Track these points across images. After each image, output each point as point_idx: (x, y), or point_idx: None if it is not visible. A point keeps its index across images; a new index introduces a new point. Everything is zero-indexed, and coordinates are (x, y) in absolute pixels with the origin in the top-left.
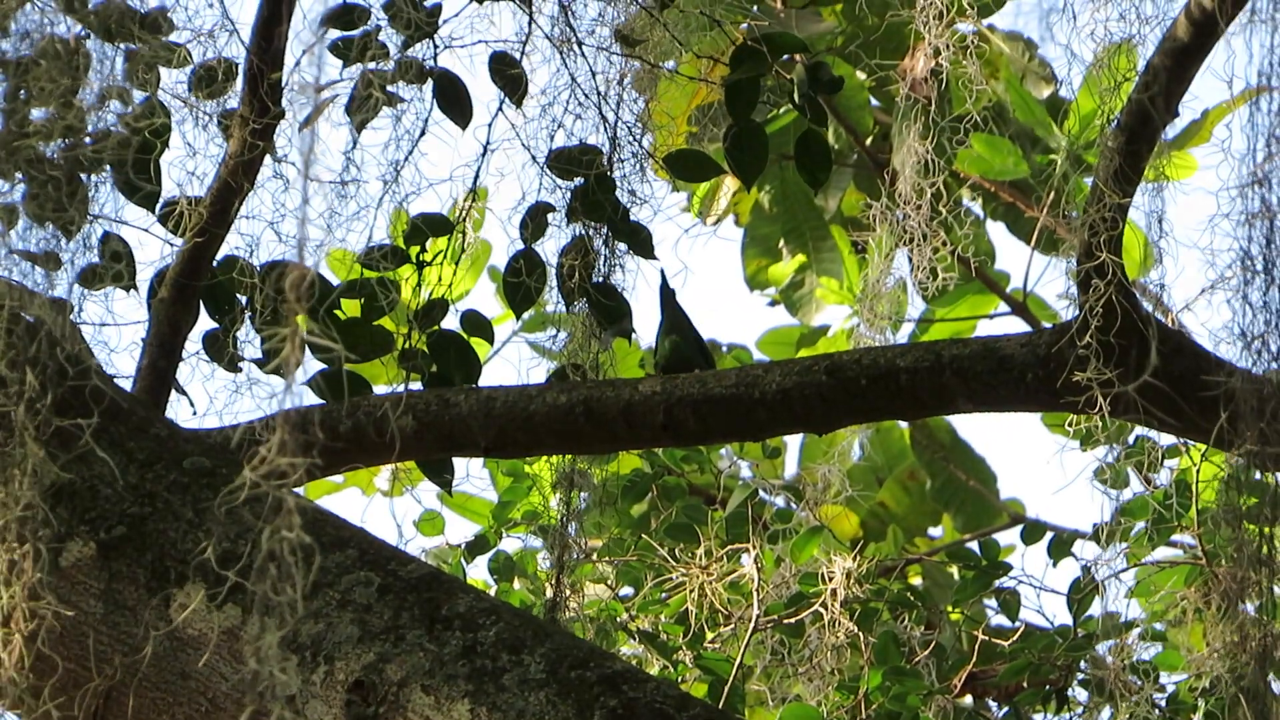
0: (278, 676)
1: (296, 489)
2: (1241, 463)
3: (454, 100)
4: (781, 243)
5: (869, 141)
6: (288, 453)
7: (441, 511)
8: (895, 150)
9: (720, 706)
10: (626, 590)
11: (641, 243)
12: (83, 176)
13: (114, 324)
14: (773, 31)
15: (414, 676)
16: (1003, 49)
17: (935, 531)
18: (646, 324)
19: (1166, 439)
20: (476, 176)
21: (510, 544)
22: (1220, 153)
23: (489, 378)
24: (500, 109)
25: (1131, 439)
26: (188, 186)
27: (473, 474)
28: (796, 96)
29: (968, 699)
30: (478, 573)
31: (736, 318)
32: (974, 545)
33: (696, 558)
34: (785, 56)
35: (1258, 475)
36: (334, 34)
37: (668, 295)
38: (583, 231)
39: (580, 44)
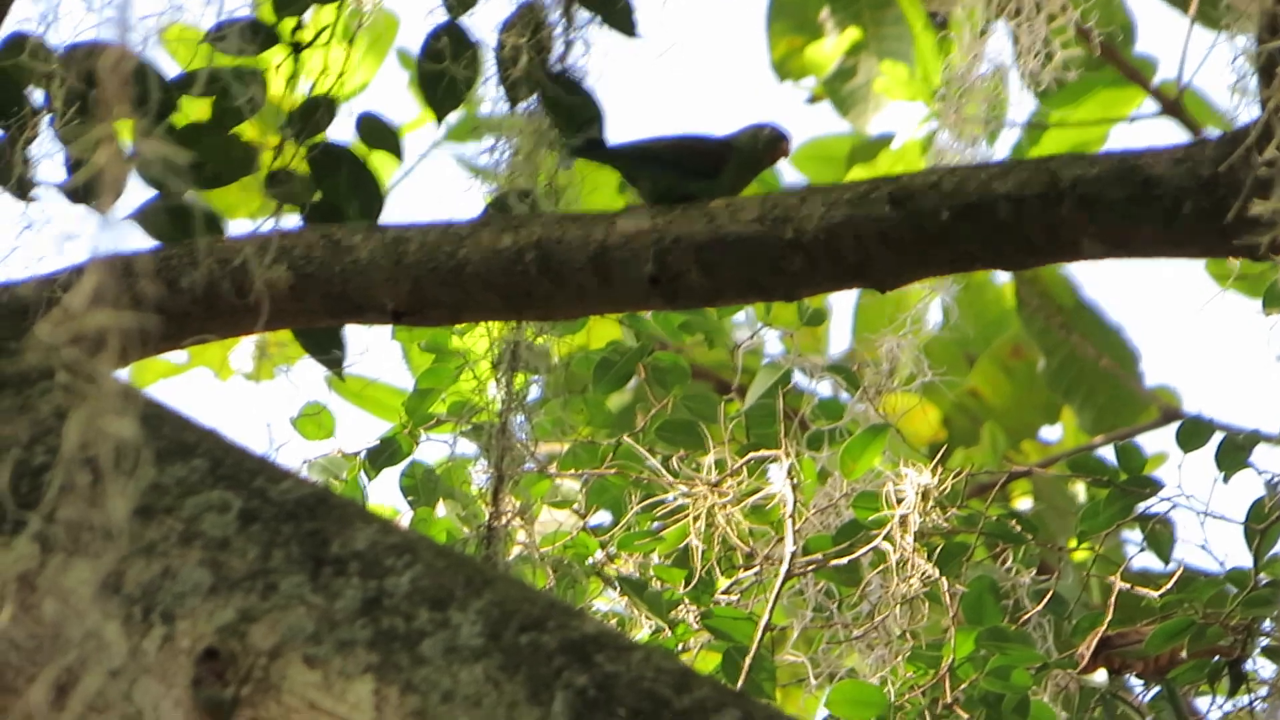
0: (101, 634)
1: (117, 371)
2: None
3: None
4: (824, 11)
5: None
6: (105, 305)
7: (330, 404)
8: None
9: (739, 686)
10: (601, 518)
11: (618, 13)
12: None
13: None
14: None
15: (292, 642)
16: None
17: (1051, 432)
18: (625, 129)
19: None
20: None
21: (431, 451)
22: None
23: (396, 210)
24: None
25: None
26: None
27: (376, 349)
28: None
29: (1100, 674)
30: (384, 493)
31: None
32: (1107, 452)
33: (703, 470)
34: None
35: None
36: None
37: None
38: None
39: None
